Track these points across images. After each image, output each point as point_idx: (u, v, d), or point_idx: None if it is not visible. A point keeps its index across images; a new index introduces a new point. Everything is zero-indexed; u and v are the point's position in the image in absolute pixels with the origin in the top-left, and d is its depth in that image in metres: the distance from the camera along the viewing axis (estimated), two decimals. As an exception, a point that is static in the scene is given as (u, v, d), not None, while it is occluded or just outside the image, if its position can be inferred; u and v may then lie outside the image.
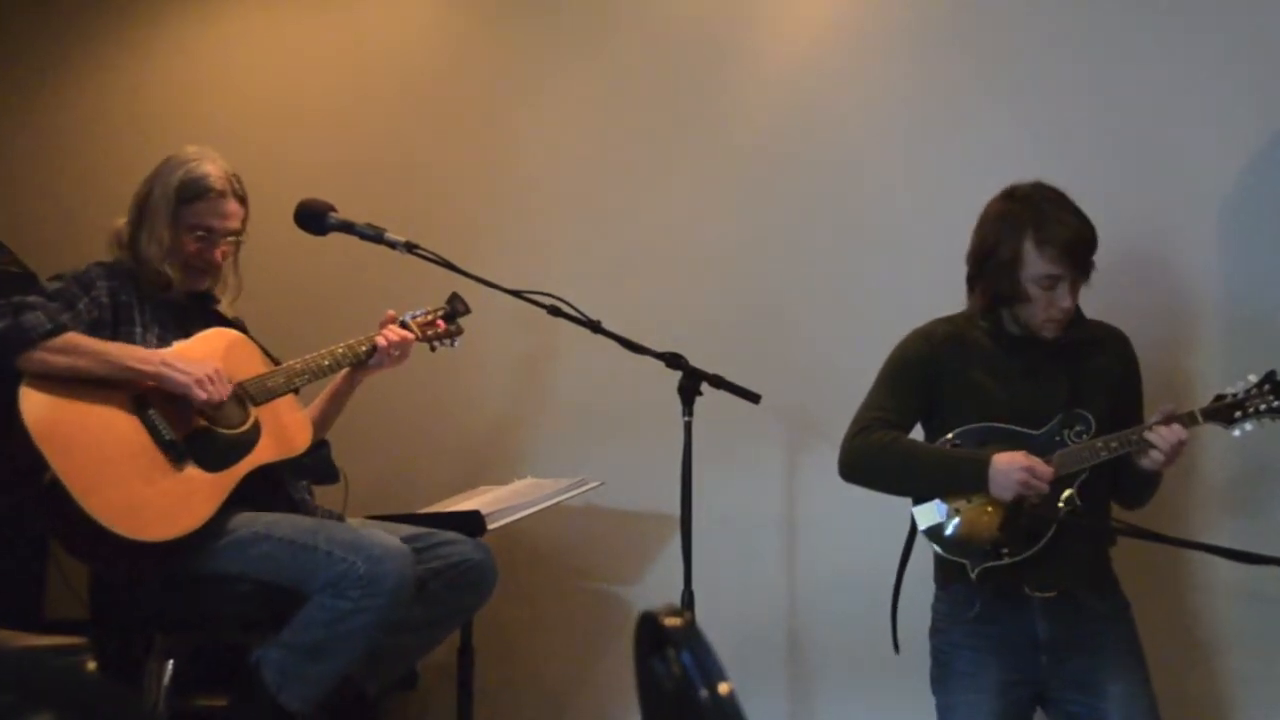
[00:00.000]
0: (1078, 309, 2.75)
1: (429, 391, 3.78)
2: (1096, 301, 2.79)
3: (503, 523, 3.20)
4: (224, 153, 2.95)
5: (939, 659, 2.76)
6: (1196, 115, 3.22)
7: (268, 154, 3.92)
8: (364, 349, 3.00)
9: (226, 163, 2.92)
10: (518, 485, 3.49)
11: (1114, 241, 2.73)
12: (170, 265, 2.85)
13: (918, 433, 2.85)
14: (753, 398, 2.79)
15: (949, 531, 2.71)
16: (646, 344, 2.82)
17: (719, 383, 2.77)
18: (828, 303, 3.52)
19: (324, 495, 3.06)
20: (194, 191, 2.85)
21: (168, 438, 2.68)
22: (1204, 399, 2.70)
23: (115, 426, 2.65)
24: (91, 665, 2.62)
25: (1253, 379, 2.63)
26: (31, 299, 2.69)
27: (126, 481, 2.60)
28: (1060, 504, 2.65)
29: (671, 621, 1.17)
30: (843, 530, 3.39)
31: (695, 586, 2.70)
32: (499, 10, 4.02)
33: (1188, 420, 2.63)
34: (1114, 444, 2.64)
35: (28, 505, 2.61)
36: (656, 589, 3.53)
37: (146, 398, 2.70)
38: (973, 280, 2.79)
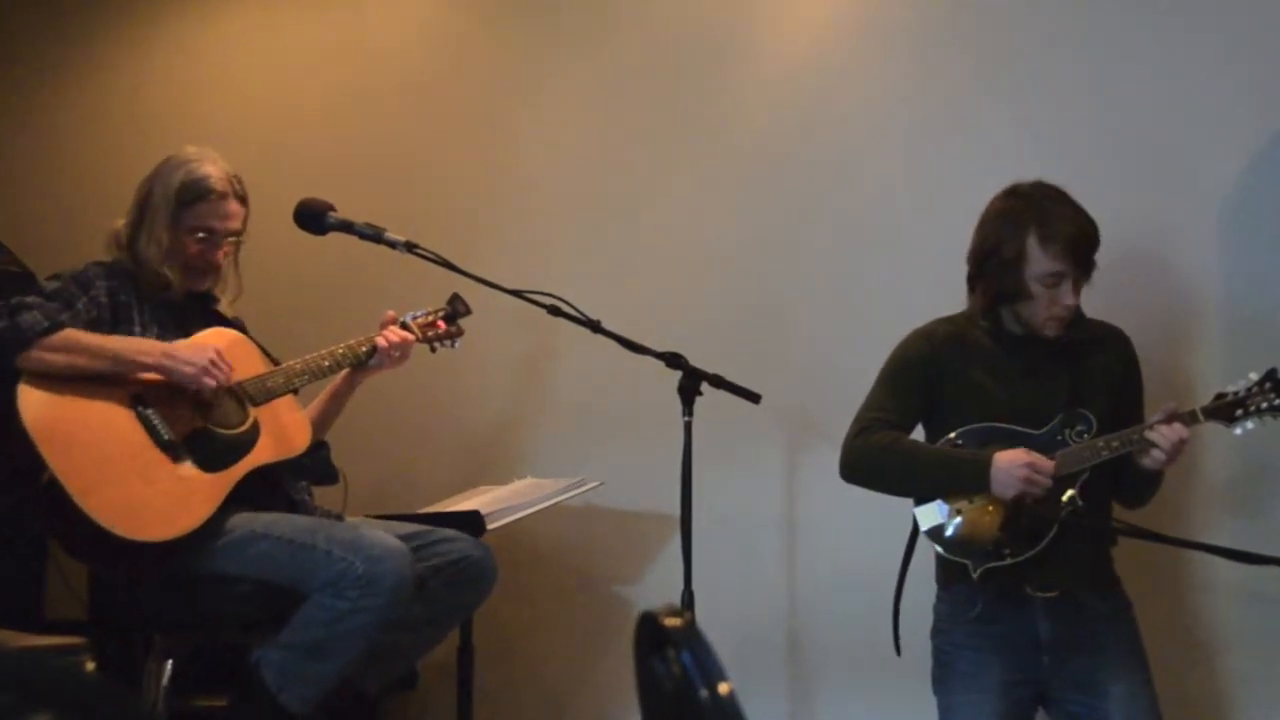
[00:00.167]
0: (1078, 308, 2.75)
1: (429, 391, 3.78)
2: (1097, 301, 2.79)
3: (503, 523, 3.20)
4: (224, 152, 2.95)
5: (940, 659, 2.76)
6: (1196, 115, 3.22)
7: (267, 153, 3.92)
8: (364, 350, 3.00)
9: (227, 163, 2.92)
10: (517, 485, 3.49)
11: (1114, 241, 2.73)
12: (170, 267, 2.85)
13: (919, 433, 2.85)
14: (753, 398, 2.79)
15: (951, 532, 2.71)
16: (646, 344, 2.82)
17: (719, 383, 2.77)
18: (828, 303, 3.52)
19: (323, 495, 3.06)
20: (195, 193, 2.85)
21: (166, 438, 2.67)
22: (1205, 397, 2.70)
23: (114, 426, 2.65)
24: (91, 665, 2.62)
25: (1254, 377, 2.63)
26: (29, 299, 2.69)
27: (125, 481, 2.60)
28: (1062, 503, 2.65)
29: (671, 621, 1.17)
30: (843, 530, 3.39)
31: (695, 586, 2.70)
32: (499, 10, 4.02)
33: (1189, 419, 2.62)
34: (1115, 443, 2.64)
35: (27, 505, 2.61)
36: (656, 589, 3.53)
37: (145, 397, 2.70)
38: (974, 279, 2.78)
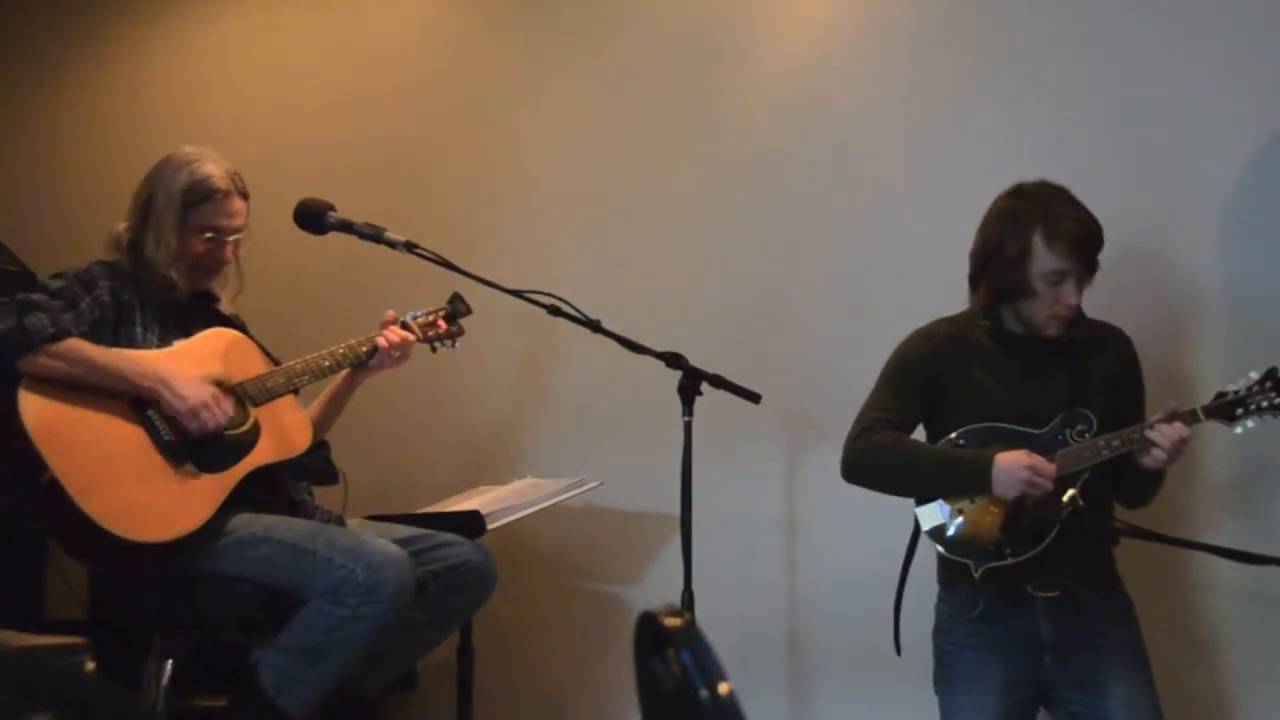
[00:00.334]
0: (1079, 308, 2.75)
1: (429, 391, 3.78)
2: (1097, 300, 2.79)
3: (502, 523, 3.19)
4: (223, 152, 2.95)
5: (942, 659, 2.76)
6: (1196, 115, 3.22)
7: (267, 153, 3.92)
8: (364, 349, 2.99)
9: (226, 161, 2.92)
10: (517, 485, 3.49)
11: (1115, 240, 2.73)
12: (175, 267, 2.85)
13: (920, 433, 2.85)
14: (753, 398, 2.79)
15: (952, 532, 2.70)
16: (646, 344, 2.82)
17: (719, 383, 2.77)
18: (828, 303, 3.52)
19: (324, 495, 3.06)
20: (200, 194, 2.85)
21: (167, 439, 2.67)
22: (1205, 397, 2.70)
23: (114, 427, 2.64)
24: (91, 665, 2.62)
25: (1254, 376, 2.63)
26: (36, 298, 2.69)
27: (125, 482, 2.60)
28: (1063, 504, 2.65)
29: (671, 621, 1.17)
30: (843, 530, 3.39)
31: (695, 586, 2.70)
32: (499, 10, 4.02)
33: (1189, 418, 2.63)
34: (1116, 442, 2.64)
35: (27, 506, 2.61)
36: (656, 589, 3.53)
37: (146, 399, 2.69)
38: (976, 278, 2.78)
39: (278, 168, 3.80)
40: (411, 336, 3.05)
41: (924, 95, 3.49)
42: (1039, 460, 2.63)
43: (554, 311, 2.82)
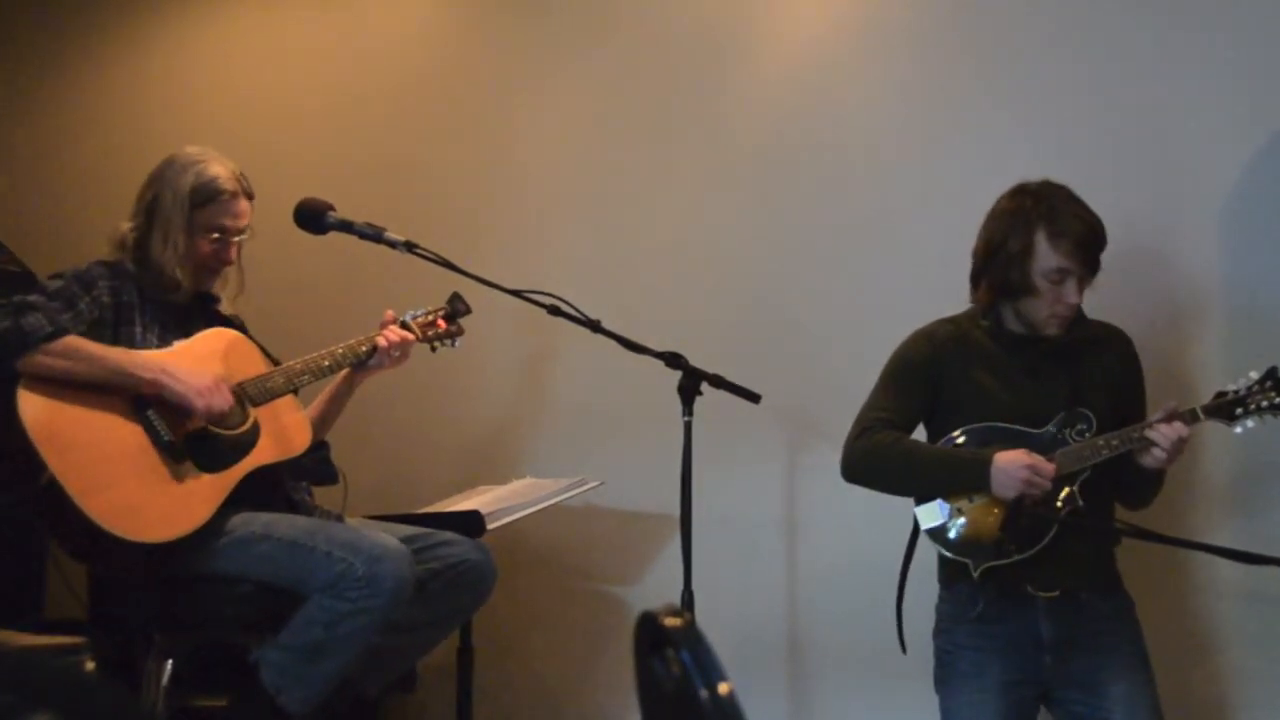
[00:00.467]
0: (1080, 309, 2.75)
1: (429, 391, 3.78)
2: (1098, 300, 2.79)
3: (502, 522, 3.20)
4: (223, 152, 2.95)
5: (942, 659, 2.76)
6: (1196, 115, 3.22)
7: (267, 153, 3.92)
8: (364, 349, 2.99)
9: (231, 161, 2.92)
10: (517, 485, 3.49)
11: (1115, 240, 2.73)
12: (181, 267, 2.85)
13: (920, 433, 2.85)
14: (753, 398, 2.79)
15: (952, 531, 2.71)
16: (646, 344, 2.82)
17: (719, 382, 2.77)
18: (828, 303, 3.52)
19: (323, 495, 3.06)
20: (207, 194, 2.85)
21: (166, 438, 2.67)
22: (1205, 396, 2.70)
23: (114, 427, 2.64)
24: (91, 665, 2.62)
25: (1254, 376, 2.64)
26: (33, 299, 2.68)
27: (125, 482, 2.60)
28: (1059, 503, 2.65)
29: (671, 621, 1.17)
30: (843, 530, 3.39)
31: (695, 586, 2.70)
32: (498, 10, 4.02)
33: (1189, 417, 2.63)
34: (1115, 442, 2.64)
35: (26, 506, 2.61)
36: (656, 589, 3.53)
37: (146, 398, 2.69)
38: (978, 275, 2.78)
39: (278, 168, 3.79)
40: (411, 336, 3.05)
41: (924, 95, 3.49)
42: (1038, 459, 2.63)
43: (554, 311, 2.82)
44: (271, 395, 2.84)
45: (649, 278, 3.69)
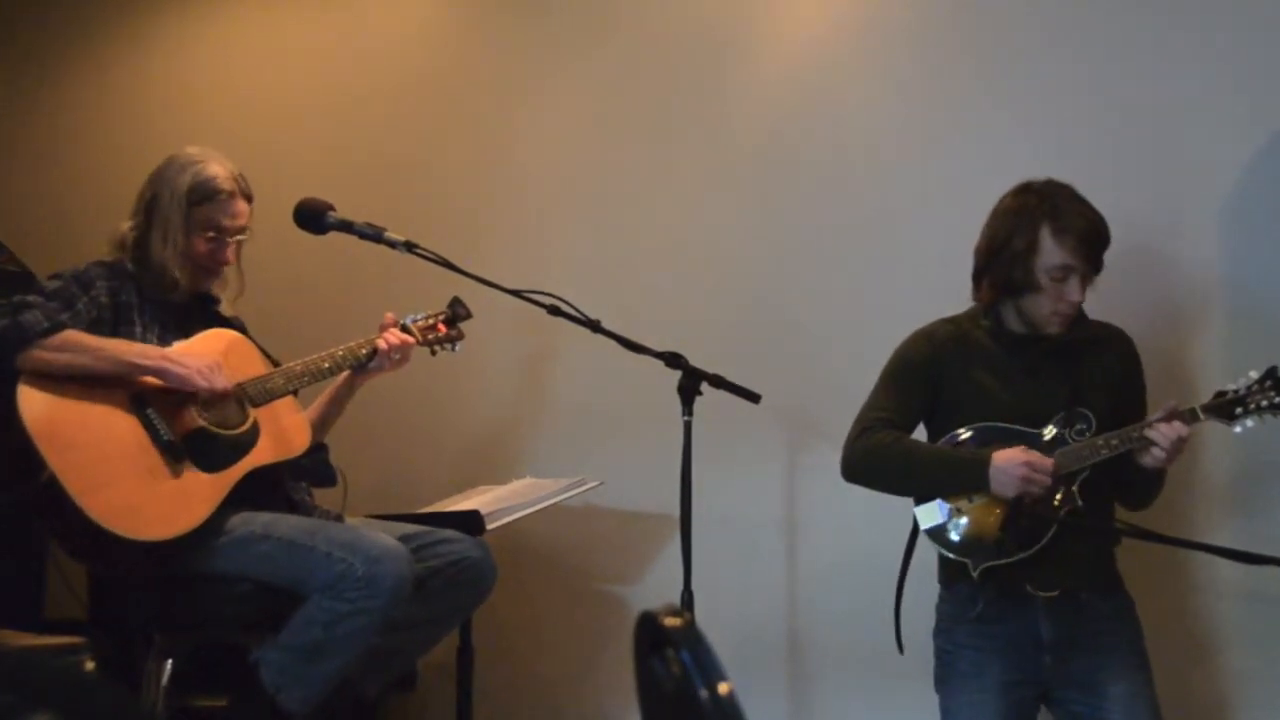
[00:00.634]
0: (1080, 309, 2.75)
1: (429, 391, 3.77)
2: (1098, 299, 2.79)
3: (502, 522, 3.20)
4: (223, 152, 2.95)
5: (942, 659, 2.76)
6: (1196, 115, 3.22)
7: (267, 153, 3.92)
8: (364, 352, 2.99)
9: (230, 162, 2.92)
10: (517, 485, 3.49)
11: (1115, 240, 2.73)
12: (178, 266, 2.85)
13: (921, 433, 2.85)
14: (753, 398, 2.79)
15: (951, 531, 2.71)
16: (646, 344, 2.82)
17: (719, 382, 2.77)
18: (827, 302, 3.52)
19: (323, 494, 3.06)
20: (204, 193, 2.85)
21: (166, 438, 2.67)
22: (1206, 396, 2.70)
23: (114, 426, 2.64)
24: (90, 665, 2.62)
25: (1254, 375, 2.63)
26: (30, 298, 2.69)
27: (124, 481, 2.60)
28: (1056, 503, 2.64)
29: (671, 621, 1.17)
30: (843, 530, 3.39)
31: (695, 586, 2.70)
32: (499, 9, 4.02)
33: (1189, 417, 2.62)
34: (1115, 441, 2.64)
35: (26, 505, 2.61)
36: (656, 589, 3.53)
37: (145, 398, 2.70)
38: (980, 273, 2.78)
39: (278, 168, 3.79)
40: (411, 339, 3.05)
41: (924, 95, 3.49)
42: (1036, 457, 2.63)
43: (554, 311, 2.82)
44: (271, 396, 2.84)
45: (649, 278, 3.69)
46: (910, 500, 2.78)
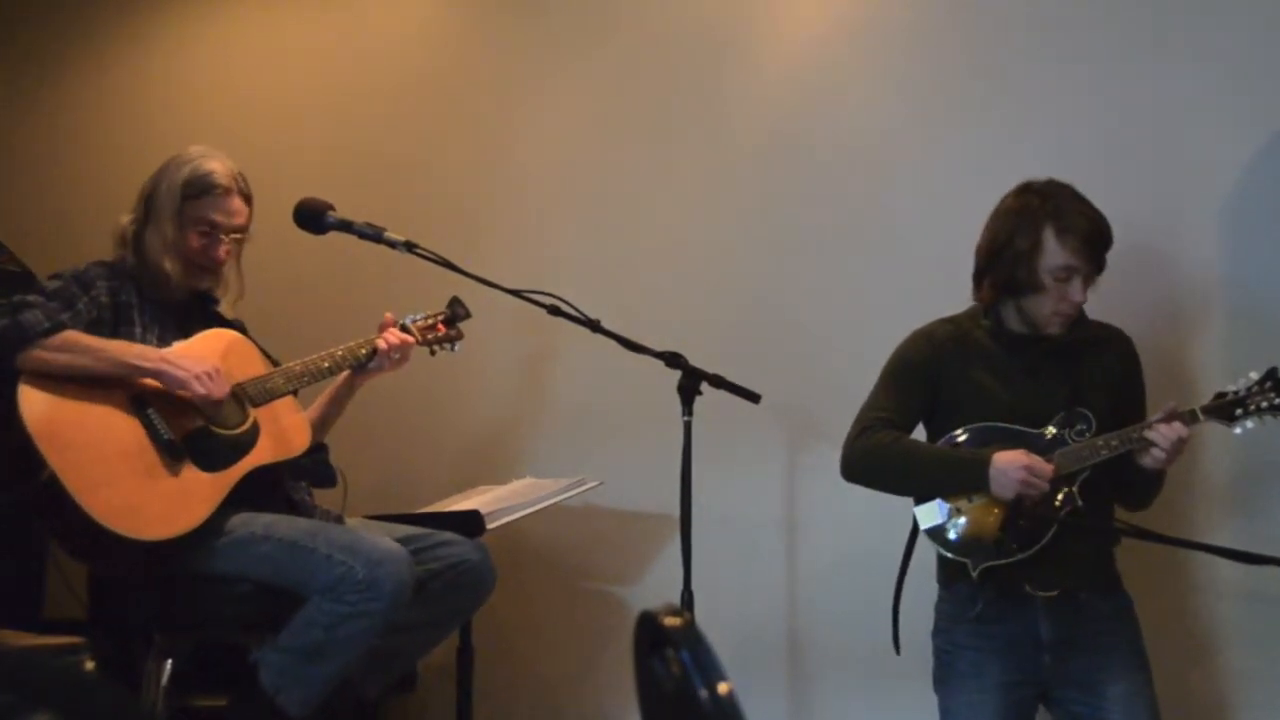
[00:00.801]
0: (1081, 309, 2.75)
1: (429, 391, 3.77)
2: (1098, 299, 2.79)
3: (502, 522, 3.19)
4: (224, 152, 2.95)
5: (941, 659, 2.76)
6: (1196, 115, 3.22)
7: (267, 153, 3.92)
8: (363, 352, 2.99)
9: (233, 162, 2.92)
10: (517, 485, 3.49)
11: (1115, 239, 2.73)
12: (171, 260, 2.84)
13: (920, 433, 2.85)
14: (753, 398, 2.79)
15: (951, 531, 2.71)
16: (646, 344, 2.82)
17: (719, 382, 2.77)
18: (828, 303, 3.52)
19: (323, 494, 3.06)
20: (199, 187, 2.85)
21: (166, 437, 2.67)
22: (1206, 397, 2.70)
23: (114, 426, 2.65)
24: (90, 665, 2.62)
25: (1254, 376, 2.63)
26: (30, 298, 2.69)
27: (124, 481, 2.60)
28: (1056, 503, 2.64)
29: (671, 621, 1.17)
30: (843, 530, 3.39)
31: (695, 586, 2.70)
32: (498, 10, 4.02)
33: (1189, 418, 2.62)
34: (1114, 442, 2.64)
35: (26, 504, 2.61)
36: (656, 589, 3.53)
37: (145, 397, 2.70)
38: (982, 273, 2.78)
39: (278, 168, 3.79)
40: (411, 339, 3.05)
41: (924, 95, 3.48)
42: (1036, 459, 2.63)
43: (554, 311, 2.82)
44: (271, 396, 2.84)
45: (649, 278, 3.69)
46: (910, 500, 2.78)
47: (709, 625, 1.26)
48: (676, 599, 2.70)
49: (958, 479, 2.69)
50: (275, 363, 2.95)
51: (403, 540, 2.76)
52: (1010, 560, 2.64)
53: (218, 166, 2.87)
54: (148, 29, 4.36)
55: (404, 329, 3.06)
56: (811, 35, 3.63)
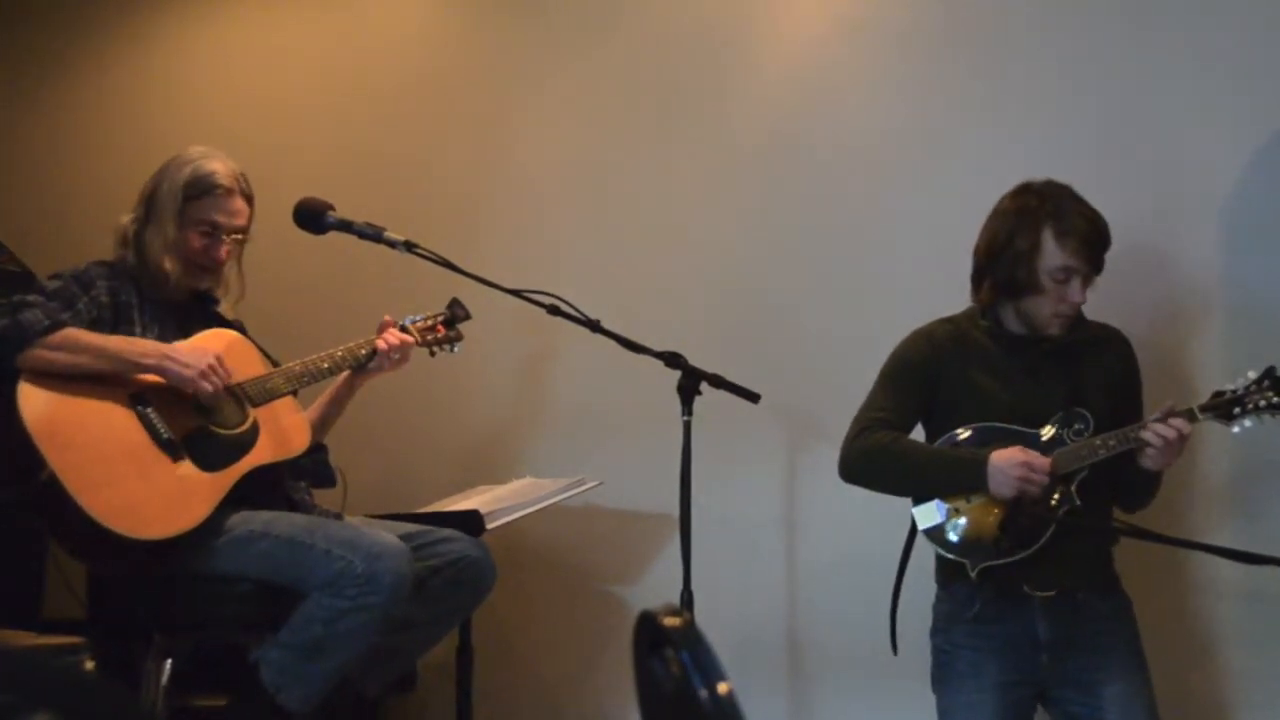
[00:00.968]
0: (1080, 310, 2.75)
1: (429, 391, 3.77)
2: (1098, 299, 2.79)
3: (502, 522, 3.20)
4: (224, 152, 2.95)
5: (940, 659, 2.76)
6: (1196, 115, 3.22)
7: (267, 153, 3.91)
8: (363, 352, 3.00)
9: (234, 162, 2.93)
10: (516, 485, 3.49)
11: (1115, 240, 2.73)
12: (171, 260, 2.84)
13: (919, 433, 2.85)
14: (752, 397, 2.79)
15: (949, 531, 2.71)
16: (646, 344, 2.82)
17: (718, 382, 2.77)
18: (827, 302, 3.52)
19: (323, 494, 3.06)
20: (201, 188, 2.85)
21: (165, 437, 2.68)
22: (1205, 396, 2.69)
23: (113, 425, 2.65)
24: (90, 665, 2.62)
25: (1252, 375, 2.63)
26: (30, 297, 2.69)
27: (124, 480, 2.60)
28: (1053, 503, 2.64)
29: (670, 621, 1.17)
30: (842, 530, 3.39)
31: (694, 587, 2.70)
32: (498, 10, 4.02)
33: (1187, 417, 2.62)
34: (1112, 441, 2.64)
35: (25, 503, 2.61)
36: (656, 589, 3.53)
37: (145, 396, 2.70)
38: (980, 274, 2.78)
39: (278, 168, 3.78)
40: (411, 340, 3.05)
41: (924, 95, 3.48)
42: (1034, 457, 2.63)
43: (553, 311, 2.82)
44: (271, 396, 2.85)
45: (649, 278, 3.69)
46: (909, 500, 2.78)
47: (709, 625, 1.26)
48: (676, 599, 2.70)
49: (956, 479, 2.69)
50: (275, 363, 2.95)
51: (403, 537, 2.77)
52: (1008, 560, 2.64)
53: (219, 167, 2.87)
54: (148, 29, 4.36)
55: (403, 330, 3.06)
56: (811, 35, 3.63)
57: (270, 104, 4.19)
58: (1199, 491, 3.14)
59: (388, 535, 2.71)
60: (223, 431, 2.76)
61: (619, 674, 3.53)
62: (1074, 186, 2.74)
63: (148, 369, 2.69)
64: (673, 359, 2.77)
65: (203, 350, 2.75)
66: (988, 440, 2.70)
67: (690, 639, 1.15)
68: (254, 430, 2.80)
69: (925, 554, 2.79)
